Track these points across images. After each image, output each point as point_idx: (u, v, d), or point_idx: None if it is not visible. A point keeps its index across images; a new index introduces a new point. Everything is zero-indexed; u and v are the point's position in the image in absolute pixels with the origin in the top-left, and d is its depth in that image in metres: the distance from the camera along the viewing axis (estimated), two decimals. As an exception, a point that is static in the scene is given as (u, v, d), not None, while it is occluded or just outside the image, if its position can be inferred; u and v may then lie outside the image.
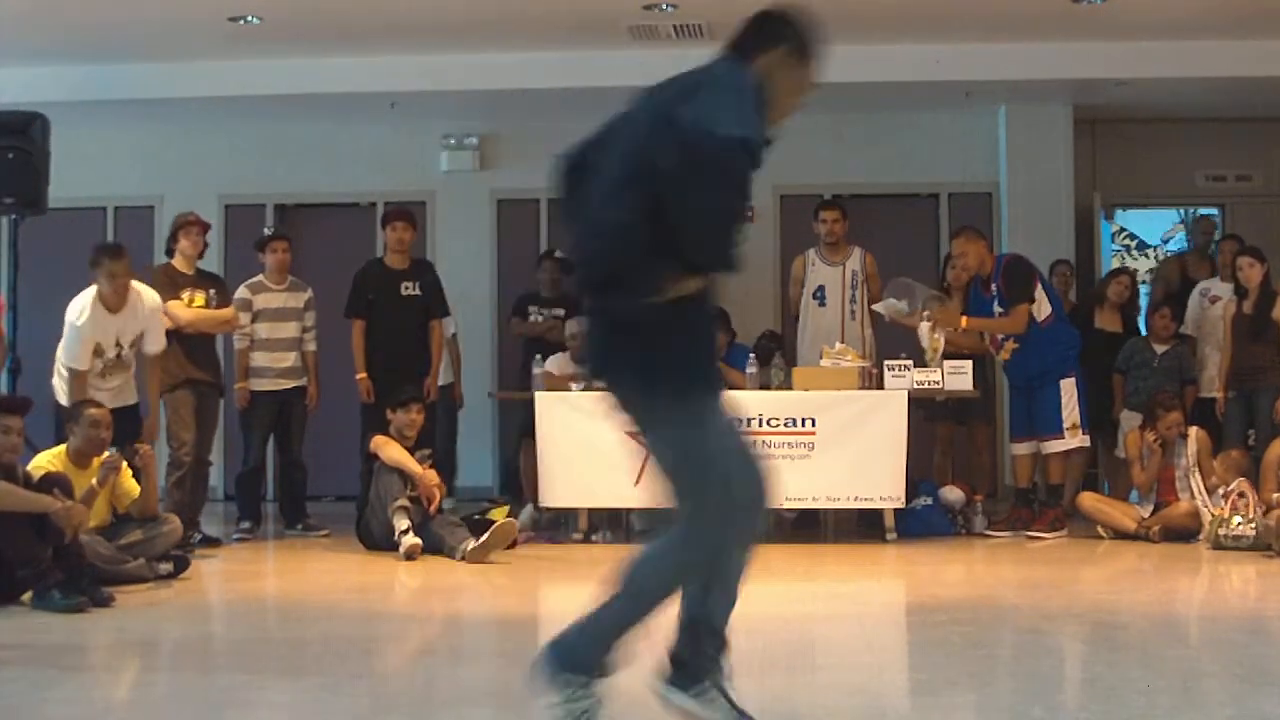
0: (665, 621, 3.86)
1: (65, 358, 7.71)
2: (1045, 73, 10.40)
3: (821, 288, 9.47)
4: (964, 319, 8.79)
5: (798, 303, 9.64)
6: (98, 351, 7.73)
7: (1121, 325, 9.95)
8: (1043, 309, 8.74)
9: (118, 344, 7.80)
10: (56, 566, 6.08)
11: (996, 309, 8.78)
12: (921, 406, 8.98)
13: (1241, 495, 8.03)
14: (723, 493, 3.66)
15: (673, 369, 3.63)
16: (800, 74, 3.85)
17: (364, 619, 6.11)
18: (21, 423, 6.43)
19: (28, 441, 6.78)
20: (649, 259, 3.55)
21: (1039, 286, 8.78)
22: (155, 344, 7.99)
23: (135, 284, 7.91)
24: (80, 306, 7.71)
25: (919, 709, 4.51)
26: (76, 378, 7.62)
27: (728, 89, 3.67)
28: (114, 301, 7.76)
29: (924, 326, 8.59)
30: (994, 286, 8.78)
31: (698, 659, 3.89)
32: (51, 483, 6.38)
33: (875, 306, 9.00)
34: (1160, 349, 9.53)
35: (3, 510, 6.06)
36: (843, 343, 9.06)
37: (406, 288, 9.18)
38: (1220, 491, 8.21)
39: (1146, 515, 8.51)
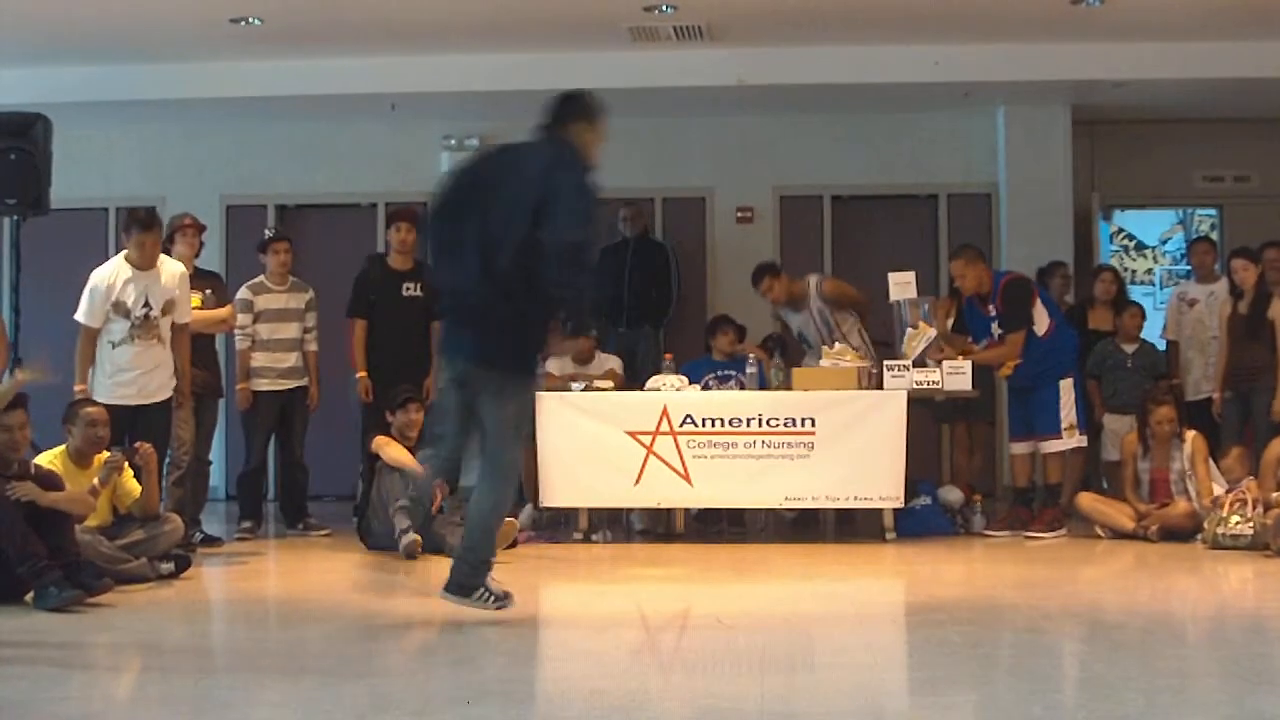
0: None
1: (79, 314, 7.74)
2: (1044, 74, 10.41)
3: (800, 332, 9.52)
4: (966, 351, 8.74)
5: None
6: (123, 310, 7.72)
7: (1114, 323, 9.92)
8: (1042, 323, 8.74)
9: (146, 304, 7.75)
10: (55, 563, 6.09)
11: (995, 329, 8.79)
12: (928, 407, 9.02)
13: (1240, 500, 8.01)
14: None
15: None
16: (595, 135, 5.85)
17: (364, 619, 6.11)
18: (24, 417, 6.43)
19: (31, 443, 6.80)
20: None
21: (1037, 303, 8.78)
22: (184, 314, 8.01)
23: (163, 256, 7.99)
24: (103, 266, 7.82)
25: (918, 708, 4.52)
26: (84, 337, 7.66)
27: (570, 193, 5.51)
28: (142, 263, 7.79)
29: (908, 332, 8.63)
30: (991, 307, 8.80)
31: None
32: (44, 482, 6.38)
33: (893, 278, 8.90)
34: (1130, 348, 9.52)
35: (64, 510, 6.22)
36: None
37: (408, 288, 9.19)
38: (1224, 490, 8.19)
39: (1143, 506, 8.52)
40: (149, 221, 7.85)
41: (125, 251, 7.85)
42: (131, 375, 7.73)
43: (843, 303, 9.41)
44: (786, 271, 9.64)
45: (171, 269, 7.97)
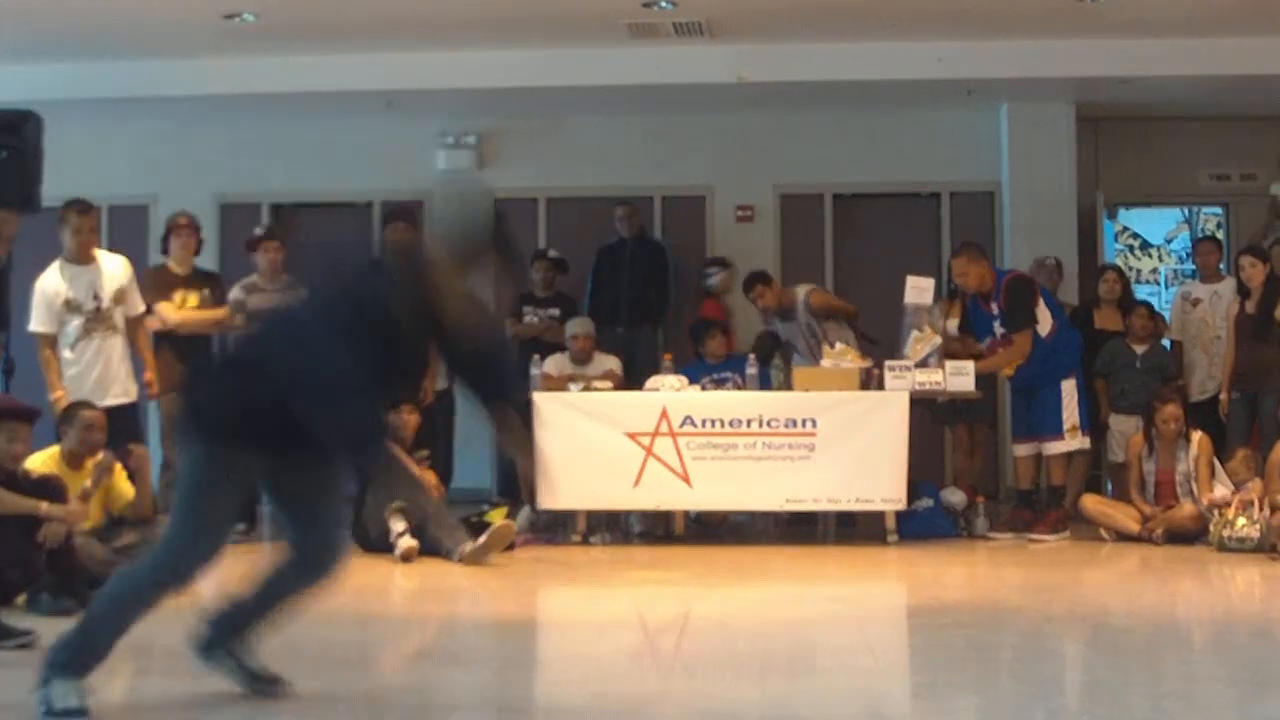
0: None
1: (32, 325, 7.75)
2: (1048, 71, 10.35)
3: (789, 343, 9.50)
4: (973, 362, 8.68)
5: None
6: (74, 306, 7.71)
7: (1122, 323, 9.88)
8: (1045, 324, 8.69)
9: (95, 296, 7.73)
10: (50, 569, 6.05)
11: (998, 328, 8.73)
12: (928, 408, 8.96)
13: (1246, 502, 7.94)
14: None
15: None
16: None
17: (360, 622, 6.07)
18: (29, 431, 6.43)
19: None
20: None
21: (1040, 303, 8.73)
22: (135, 305, 7.99)
23: (101, 251, 7.97)
24: (43, 274, 7.80)
25: (921, 712, 4.49)
26: (42, 345, 7.64)
27: None
28: (81, 256, 7.79)
29: (913, 335, 8.58)
30: (994, 305, 8.74)
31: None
32: (47, 487, 6.33)
33: (910, 281, 8.81)
34: (1140, 349, 9.46)
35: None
36: None
37: (405, 288, 9.11)
38: (1230, 491, 8.13)
39: (1148, 508, 8.45)
40: (85, 207, 7.85)
41: (61, 255, 7.83)
42: (95, 375, 7.68)
43: (831, 314, 9.40)
44: (787, 270, 9.61)
45: (115, 261, 7.95)
